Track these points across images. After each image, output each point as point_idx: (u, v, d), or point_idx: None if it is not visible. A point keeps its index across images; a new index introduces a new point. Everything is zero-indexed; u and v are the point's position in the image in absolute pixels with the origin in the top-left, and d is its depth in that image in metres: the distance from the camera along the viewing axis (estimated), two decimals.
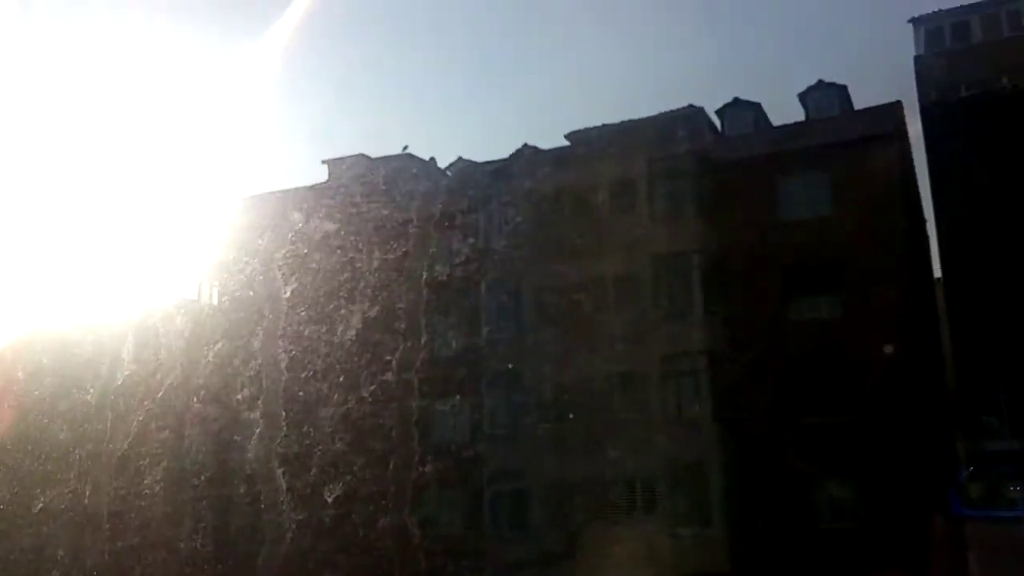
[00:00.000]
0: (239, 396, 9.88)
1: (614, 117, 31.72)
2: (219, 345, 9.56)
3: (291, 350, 9.28)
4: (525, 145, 31.49)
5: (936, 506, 22.03)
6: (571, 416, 25.39)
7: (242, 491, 9.84)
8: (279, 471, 9.41)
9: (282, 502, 9.49)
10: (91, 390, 9.58)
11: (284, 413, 9.53)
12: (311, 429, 9.41)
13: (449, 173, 31.03)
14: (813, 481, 24.30)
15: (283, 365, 9.44)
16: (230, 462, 10.28)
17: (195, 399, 9.85)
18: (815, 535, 23.29)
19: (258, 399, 9.59)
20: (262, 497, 9.96)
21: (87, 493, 9.51)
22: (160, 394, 9.47)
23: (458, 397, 22.30)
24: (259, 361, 9.70)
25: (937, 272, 27.71)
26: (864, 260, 25.23)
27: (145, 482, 9.61)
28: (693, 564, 22.81)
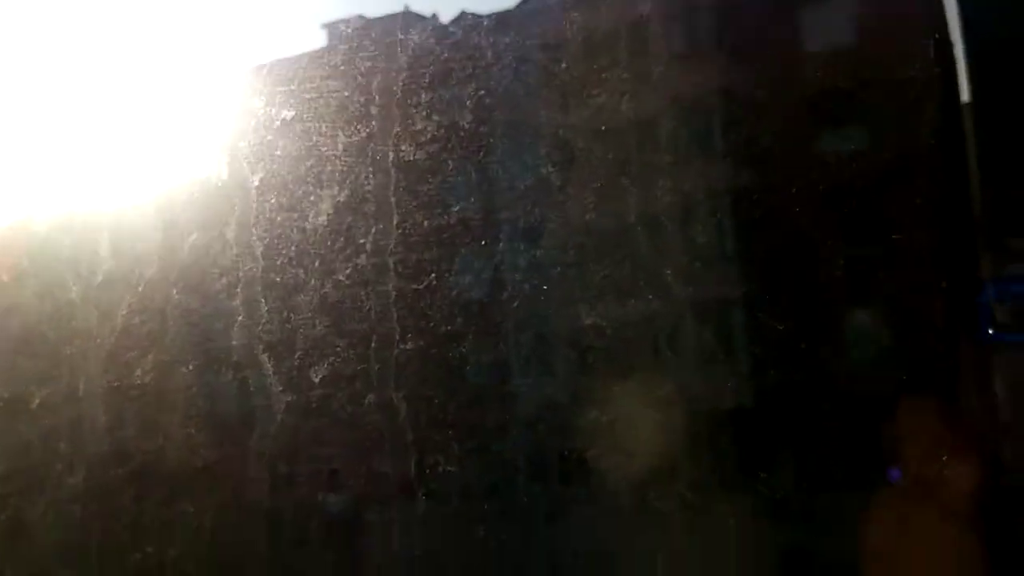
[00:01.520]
0: (217, 285, 9.96)
1: None
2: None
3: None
4: None
5: (964, 332, 21.92)
6: (592, 262, 25.34)
7: (230, 377, 10.05)
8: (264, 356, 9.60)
9: (269, 386, 9.70)
10: (73, 288, 9.70)
11: (263, 300, 9.61)
12: (291, 314, 9.53)
13: (452, 29, 30.08)
14: (838, 312, 24.39)
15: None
16: (215, 351, 10.47)
17: (175, 291, 9.95)
18: (842, 366, 23.56)
19: (236, 287, 9.67)
20: (250, 382, 10.19)
21: (81, 388, 9.78)
22: (140, 288, 9.56)
23: (470, 252, 22.33)
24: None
25: (965, 96, 26.61)
26: (890, 88, 24.38)
27: (135, 374, 9.84)
28: (718, 400, 23.16)
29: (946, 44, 26.35)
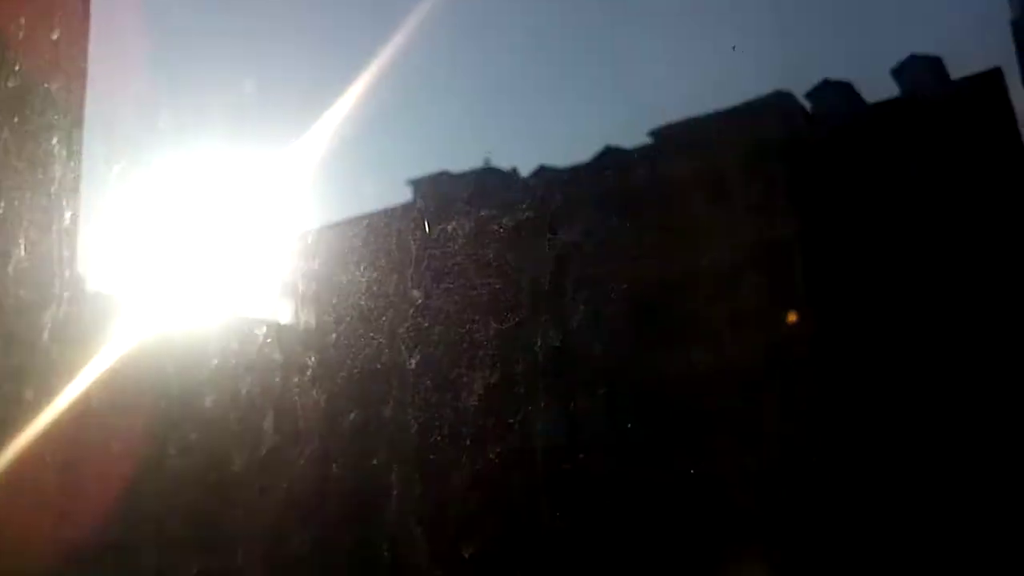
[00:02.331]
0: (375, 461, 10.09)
1: (698, 109, 31.27)
2: (353, 415, 9.77)
3: (419, 416, 9.38)
4: (607, 146, 31.24)
5: None
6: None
7: (385, 553, 10.02)
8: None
9: (422, 563, 9.69)
10: (236, 461, 9.90)
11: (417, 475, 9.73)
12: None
13: (531, 182, 30.89)
14: (950, 477, 23.48)
15: (413, 430, 9.59)
16: (372, 526, 10.49)
17: (334, 466, 10.08)
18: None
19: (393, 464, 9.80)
20: (406, 559, 10.16)
21: (239, 561, 9.78)
22: (302, 462, 9.70)
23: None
24: (391, 427, 9.88)
25: None
26: (976, 239, 24.44)
27: (295, 551, 9.93)
28: None
29: None
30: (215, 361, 9.89)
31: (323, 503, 9.89)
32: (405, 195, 31.26)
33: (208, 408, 9.77)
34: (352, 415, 9.75)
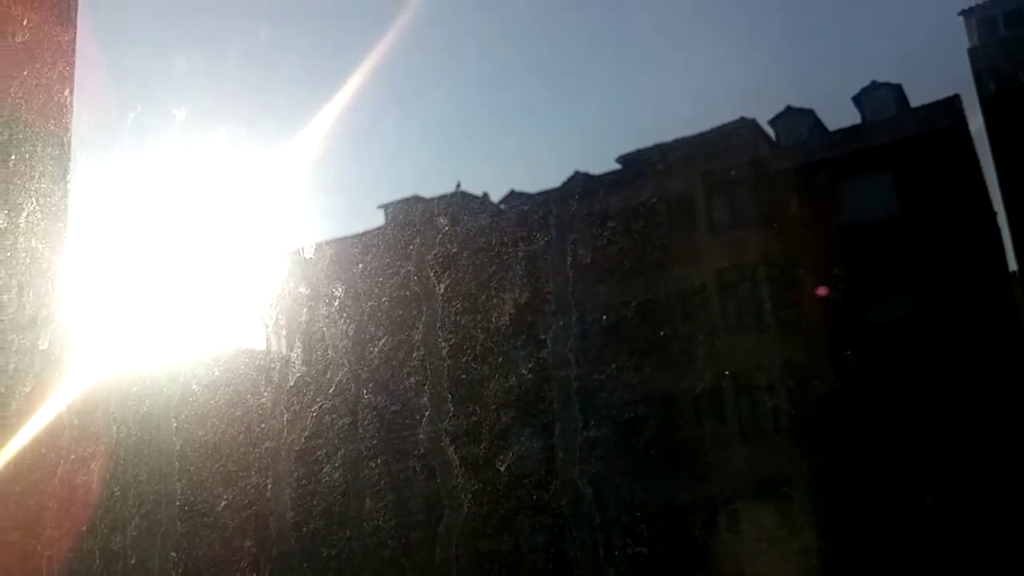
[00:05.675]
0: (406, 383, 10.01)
1: (664, 136, 31.85)
2: (383, 341, 9.73)
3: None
4: (576, 172, 31.58)
5: None
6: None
7: (417, 468, 9.94)
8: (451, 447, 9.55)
9: (456, 474, 9.59)
10: (265, 394, 9.69)
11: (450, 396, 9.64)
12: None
13: (502, 207, 31.04)
14: (901, 489, 23.80)
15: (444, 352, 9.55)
16: (403, 443, 10.40)
17: (365, 391, 9.94)
18: (910, 541, 22.78)
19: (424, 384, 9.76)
20: (437, 471, 10.07)
21: (269, 486, 9.60)
22: (331, 390, 9.53)
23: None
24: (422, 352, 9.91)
25: (1012, 265, 27.35)
26: (936, 259, 25.05)
27: (324, 469, 9.73)
28: None
29: (989, 213, 27.42)
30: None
31: (355, 426, 9.69)
32: (377, 219, 31.09)
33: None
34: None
